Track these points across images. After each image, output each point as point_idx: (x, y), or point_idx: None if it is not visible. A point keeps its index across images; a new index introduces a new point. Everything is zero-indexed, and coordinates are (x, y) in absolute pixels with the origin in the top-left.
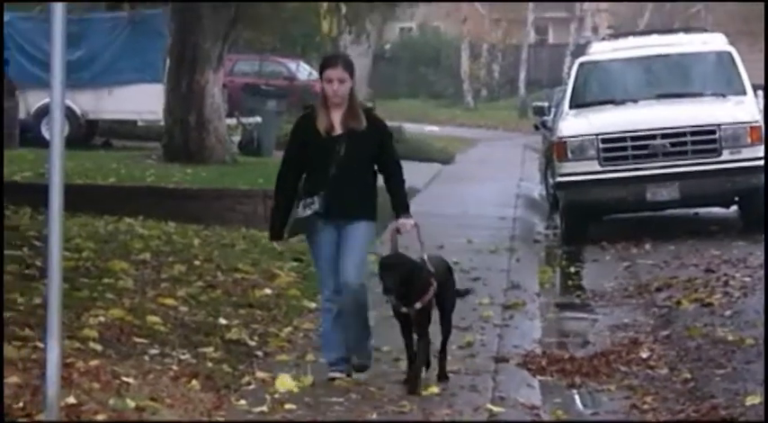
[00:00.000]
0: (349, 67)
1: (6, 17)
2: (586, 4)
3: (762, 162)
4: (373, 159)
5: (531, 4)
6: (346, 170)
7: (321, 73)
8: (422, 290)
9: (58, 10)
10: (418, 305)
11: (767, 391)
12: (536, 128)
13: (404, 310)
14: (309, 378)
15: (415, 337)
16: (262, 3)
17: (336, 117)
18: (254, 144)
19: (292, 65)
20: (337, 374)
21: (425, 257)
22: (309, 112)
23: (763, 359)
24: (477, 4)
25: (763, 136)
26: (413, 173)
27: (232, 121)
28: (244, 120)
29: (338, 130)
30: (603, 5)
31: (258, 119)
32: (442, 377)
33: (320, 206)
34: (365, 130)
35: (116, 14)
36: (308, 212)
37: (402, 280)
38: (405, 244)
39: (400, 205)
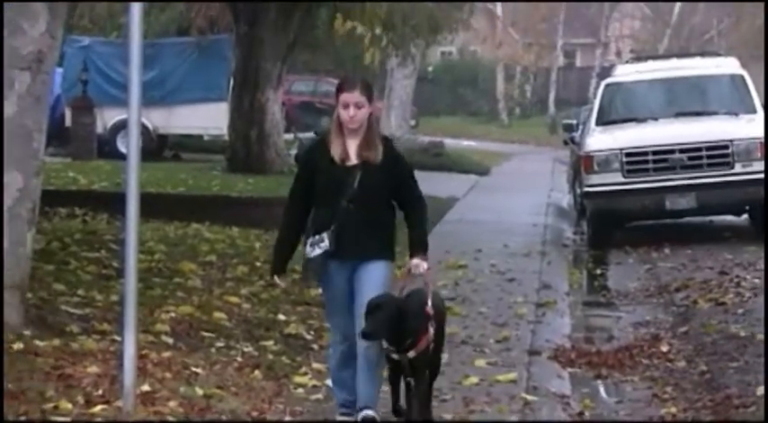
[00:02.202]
0: (367, 91)
1: (86, 41)
2: (611, 32)
3: None
4: (390, 194)
5: (560, 31)
6: (360, 205)
7: (337, 96)
8: (419, 337)
9: (136, 11)
10: (412, 354)
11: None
12: (565, 143)
13: (395, 357)
14: None
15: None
16: (317, 30)
17: (352, 145)
18: None
19: None
20: (345, 419)
21: (429, 303)
22: (322, 139)
23: None
24: (511, 30)
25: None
26: (453, 183)
27: (289, 136)
28: (300, 135)
29: (353, 160)
30: (627, 31)
31: (313, 134)
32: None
33: (330, 244)
34: (382, 163)
35: (185, 39)
36: (318, 252)
37: (393, 325)
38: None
39: (417, 244)
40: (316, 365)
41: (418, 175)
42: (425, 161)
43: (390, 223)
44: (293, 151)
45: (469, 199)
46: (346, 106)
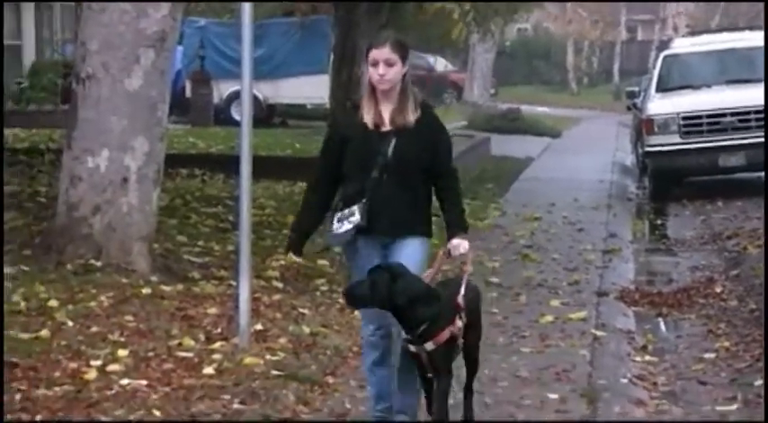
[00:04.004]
0: (400, 49)
1: (202, 22)
2: (668, 10)
3: None
4: (427, 164)
5: (623, 9)
6: (393, 175)
7: (367, 55)
8: (439, 327)
9: (247, 9)
10: (429, 346)
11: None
12: (628, 108)
13: (412, 348)
14: None
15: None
16: (408, 11)
17: (386, 111)
18: None
19: (431, 59)
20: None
21: (462, 291)
22: (354, 105)
23: None
24: (579, 9)
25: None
26: (528, 145)
27: None
28: None
29: (387, 126)
30: (682, 9)
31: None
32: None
33: (361, 218)
34: (416, 128)
35: (290, 20)
36: (348, 227)
37: (376, 292)
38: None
39: (454, 222)
40: None
41: (498, 138)
42: (504, 125)
43: (427, 196)
44: None
45: (543, 159)
46: (375, 64)
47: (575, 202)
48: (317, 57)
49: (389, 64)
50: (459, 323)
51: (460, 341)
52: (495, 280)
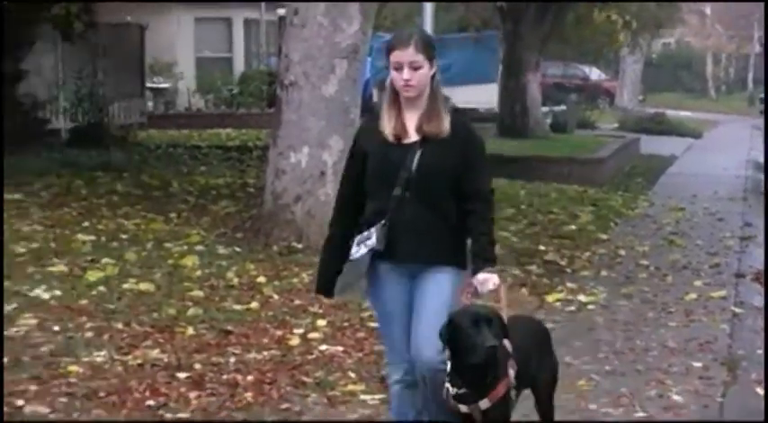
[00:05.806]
0: (426, 48)
1: (376, 43)
2: None
3: None
4: (457, 181)
5: (756, 26)
6: (418, 192)
7: (387, 58)
8: (493, 380)
9: (429, 26)
10: (485, 404)
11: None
12: (761, 113)
13: (463, 409)
14: (600, 290)
15: None
16: (566, 26)
17: (411, 119)
18: (561, 125)
19: (586, 69)
20: None
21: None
22: (377, 113)
23: None
24: (717, 25)
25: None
26: (672, 144)
27: (545, 109)
28: (554, 108)
29: (412, 137)
30: None
31: (563, 107)
32: None
33: (378, 241)
34: (447, 139)
35: (464, 35)
36: (363, 251)
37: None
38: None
39: (481, 254)
40: (569, 285)
41: (646, 138)
42: (651, 127)
43: (462, 218)
44: (548, 120)
45: (686, 157)
46: (398, 68)
47: (714, 195)
48: (488, 68)
49: (415, 67)
50: (512, 372)
51: (514, 393)
52: (644, 262)
